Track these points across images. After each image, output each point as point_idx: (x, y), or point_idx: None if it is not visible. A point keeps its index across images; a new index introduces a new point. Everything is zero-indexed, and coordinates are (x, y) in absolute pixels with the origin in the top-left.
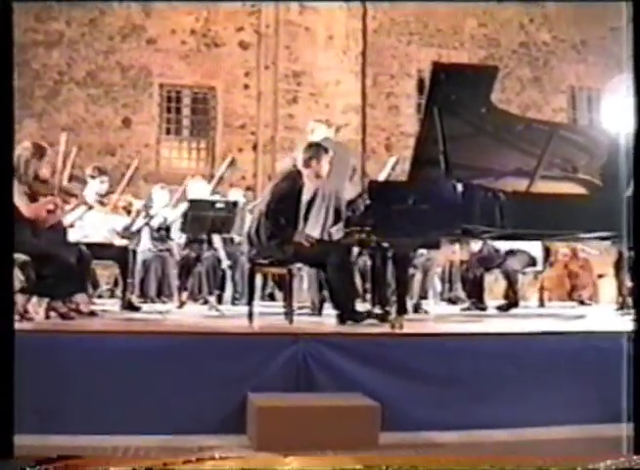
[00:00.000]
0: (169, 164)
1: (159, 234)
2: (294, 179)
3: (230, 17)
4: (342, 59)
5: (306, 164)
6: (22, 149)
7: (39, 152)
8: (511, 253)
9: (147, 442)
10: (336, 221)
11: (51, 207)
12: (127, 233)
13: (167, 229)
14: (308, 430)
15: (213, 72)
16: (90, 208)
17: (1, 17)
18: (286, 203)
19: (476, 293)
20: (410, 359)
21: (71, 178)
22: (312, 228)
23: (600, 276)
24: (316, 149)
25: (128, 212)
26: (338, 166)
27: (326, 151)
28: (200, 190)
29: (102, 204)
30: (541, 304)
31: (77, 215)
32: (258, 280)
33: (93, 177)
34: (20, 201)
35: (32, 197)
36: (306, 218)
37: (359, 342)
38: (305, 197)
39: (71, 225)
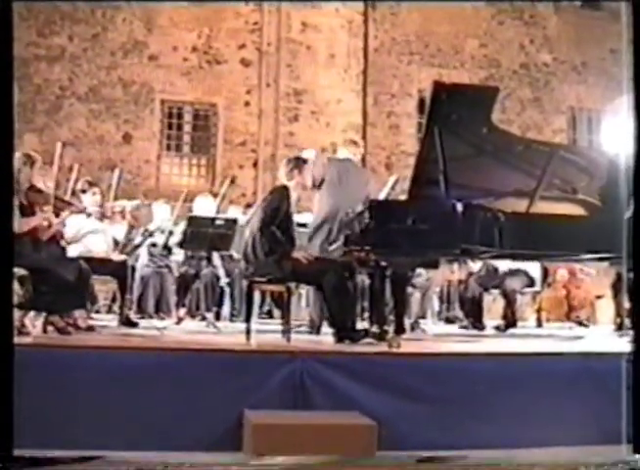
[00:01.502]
0: (169, 181)
1: (157, 250)
2: (281, 193)
3: (232, 34)
4: (344, 77)
5: (289, 176)
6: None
7: (30, 160)
8: (509, 273)
9: (142, 458)
10: (334, 239)
11: (45, 223)
12: (127, 249)
13: (166, 245)
14: (305, 448)
15: (215, 89)
16: (84, 210)
17: (1, 29)
18: (279, 217)
19: (474, 313)
20: (407, 379)
21: (73, 193)
22: (321, 245)
23: (598, 297)
24: (295, 161)
25: (124, 218)
26: (355, 187)
27: (305, 161)
28: (206, 207)
29: (101, 216)
30: (539, 324)
31: (77, 224)
32: (256, 297)
33: (84, 191)
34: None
35: (30, 207)
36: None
37: (357, 360)
38: (315, 212)
39: (73, 239)
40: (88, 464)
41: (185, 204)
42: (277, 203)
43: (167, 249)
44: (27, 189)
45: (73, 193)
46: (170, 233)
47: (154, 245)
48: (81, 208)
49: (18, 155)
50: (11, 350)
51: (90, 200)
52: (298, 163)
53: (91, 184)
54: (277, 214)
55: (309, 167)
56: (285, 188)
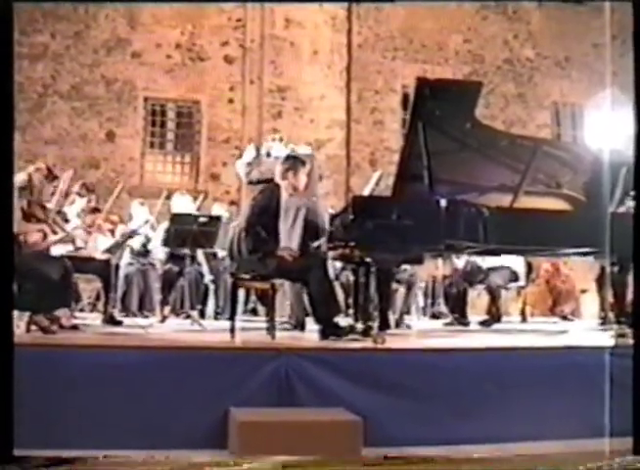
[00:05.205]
0: (153, 178)
1: (141, 248)
2: (272, 192)
3: (215, 31)
4: (327, 74)
5: (283, 176)
6: (34, 170)
7: (51, 176)
8: (494, 268)
9: (128, 457)
10: (315, 235)
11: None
12: (110, 249)
13: (149, 243)
14: (290, 445)
15: (198, 86)
16: (73, 241)
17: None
18: (266, 216)
19: (458, 308)
20: (392, 375)
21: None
22: (288, 241)
23: (582, 291)
24: (293, 161)
25: (112, 232)
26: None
27: (303, 164)
28: (184, 205)
29: (87, 230)
30: (524, 319)
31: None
32: (241, 295)
33: (81, 195)
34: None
35: (26, 217)
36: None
37: (341, 357)
38: (282, 210)
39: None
40: (76, 464)
41: (166, 201)
42: (266, 201)
43: (147, 248)
44: (34, 202)
45: (67, 195)
46: (153, 232)
47: (139, 241)
48: (69, 234)
49: (41, 166)
50: (10, 351)
51: (83, 205)
52: (296, 164)
53: (88, 190)
54: (265, 213)
55: (305, 170)
56: (277, 186)
